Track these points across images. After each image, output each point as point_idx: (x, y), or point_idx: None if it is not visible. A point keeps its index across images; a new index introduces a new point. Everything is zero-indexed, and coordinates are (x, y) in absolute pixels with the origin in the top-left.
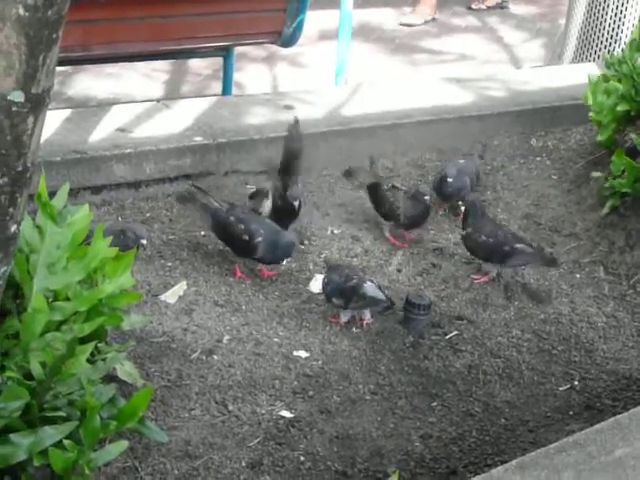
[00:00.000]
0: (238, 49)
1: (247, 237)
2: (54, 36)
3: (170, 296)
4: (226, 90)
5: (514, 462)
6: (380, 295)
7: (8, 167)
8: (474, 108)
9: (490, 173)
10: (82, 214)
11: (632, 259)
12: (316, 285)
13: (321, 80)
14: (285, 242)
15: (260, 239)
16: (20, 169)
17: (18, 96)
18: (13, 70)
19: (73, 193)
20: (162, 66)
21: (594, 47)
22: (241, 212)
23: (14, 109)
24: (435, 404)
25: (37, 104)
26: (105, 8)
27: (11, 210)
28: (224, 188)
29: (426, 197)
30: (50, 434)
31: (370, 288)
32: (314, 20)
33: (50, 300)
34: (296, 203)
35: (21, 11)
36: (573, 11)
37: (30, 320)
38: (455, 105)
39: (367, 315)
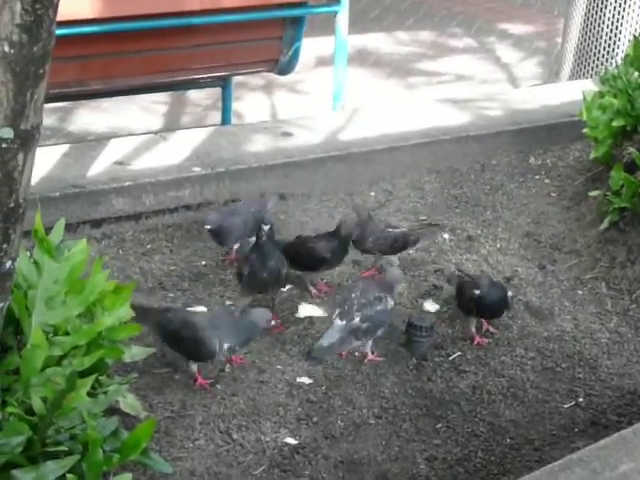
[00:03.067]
0: (236, 78)
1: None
2: (41, 72)
3: None
4: (225, 120)
5: None
6: (325, 344)
7: (0, 204)
8: (471, 128)
9: (489, 193)
10: (79, 248)
11: (634, 274)
12: None
13: (319, 106)
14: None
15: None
16: (12, 205)
17: (7, 133)
18: (1, 107)
19: (73, 227)
20: (161, 98)
21: (591, 64)
22: None
23: (4, 146)
24: (440, 425)
25: (27, 140)
26: (100, 43)
27: (5, 246)
28: None
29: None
30: (52, 469)
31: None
32: (311, 47)
33: (50, 335)
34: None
35: (6, 48)
36: (569, 29)
37: (30, 356)
38: (452, 126)
39: (368, 348)
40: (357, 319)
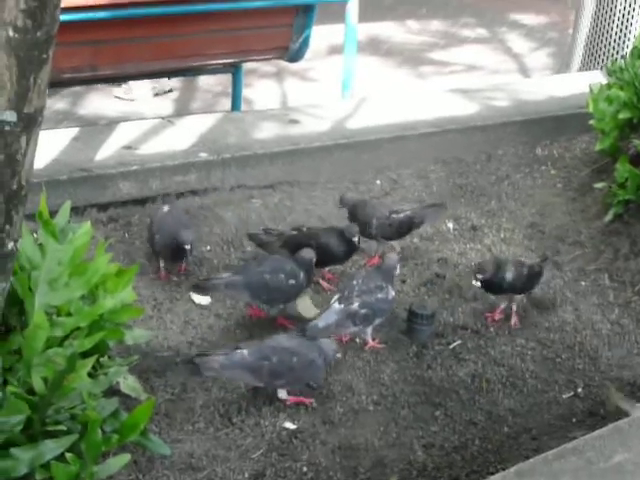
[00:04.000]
0: (247, 65)
1: None
2: (44, 56)
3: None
4: (235, 106)
5: (512, 469)
6: (320, 325)
7: (2, 185)
8: (478, 118)
9: (495, 183)
10: (83, 230)
11: (637, 266)
12: None
13: (329, 94)
14: None
15: None
16: (15, 187)
17: (10, 116)
18: (5, 90)
19: (80, 211)
20: (172, 84)
21: (601, 56)
22: None
23: (7, 128)
24: (438, 413)
25: (29, 123)
26: (112, 28)
27: (7, 227)
28: (230, 203)
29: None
30: (51, 447)
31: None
32: (323, 35)
33: (52, 316)
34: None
35: (11, 33)
36: (580, 20)
37: (31, 336)
38: (459, 116)
39: (368, 336)
40: (356, 304)
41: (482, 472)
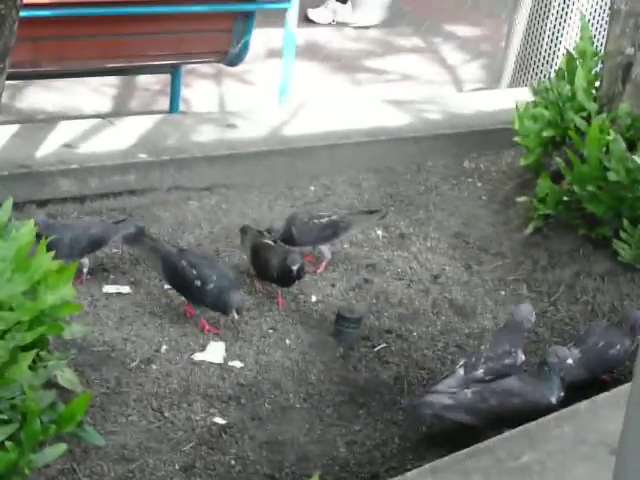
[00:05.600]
0: (186, 65)
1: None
2: (1, 66)
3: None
4: (173, 107)
5: (427, 466)
6: None
7: None
8: (410, 129)
9: (423, 193)
10: (27, 228)
11: (553, 277)
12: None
13: (267, 98)
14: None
15: (212, 285)
16: None
17: None
18: None
19: (19, 207)
20: (111, 81)
21: (531, 72)
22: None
23: None
24: (361, 412)
25: None
26: (54, 25)
27: None
28: (167, 204)
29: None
30: None
31: None
32: (263, 38)
33: None
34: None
35: None
36: (511, 36)
37: None
38: (392, 126)
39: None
40: None
41: (400, 469)
